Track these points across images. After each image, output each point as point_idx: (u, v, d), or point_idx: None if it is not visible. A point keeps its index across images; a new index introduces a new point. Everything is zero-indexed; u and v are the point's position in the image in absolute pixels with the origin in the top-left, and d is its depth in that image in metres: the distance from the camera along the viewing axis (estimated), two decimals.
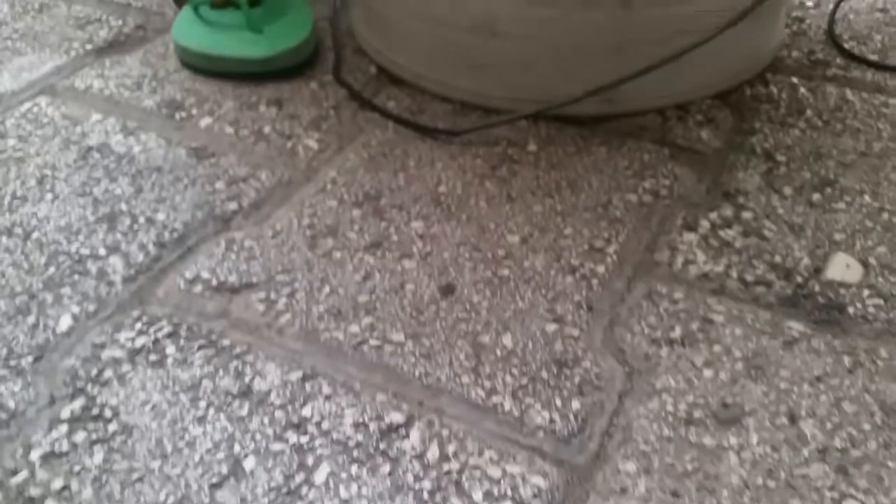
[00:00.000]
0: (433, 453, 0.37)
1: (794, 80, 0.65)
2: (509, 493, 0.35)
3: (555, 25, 0.56)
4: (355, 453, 0.37)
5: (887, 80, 0.65)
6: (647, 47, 0.57)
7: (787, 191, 0.53)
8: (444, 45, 0.60)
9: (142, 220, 0.51)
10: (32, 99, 0.63)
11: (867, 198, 0.52)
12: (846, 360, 0.42)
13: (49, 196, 0.53)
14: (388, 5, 0.62)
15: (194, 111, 0.61)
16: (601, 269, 0.47)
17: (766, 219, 0.51)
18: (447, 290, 0.46)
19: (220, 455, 0.37)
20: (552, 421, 0.38)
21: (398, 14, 0.62)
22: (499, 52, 0.58)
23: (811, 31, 0.72)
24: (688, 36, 0.56)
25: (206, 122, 0.60)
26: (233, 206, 0.52)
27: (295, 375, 0.41)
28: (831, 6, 0.76)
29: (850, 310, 0.45)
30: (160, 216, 0.51)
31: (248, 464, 0.37)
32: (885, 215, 0.51)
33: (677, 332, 0.43)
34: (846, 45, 0.69)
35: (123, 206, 0.52)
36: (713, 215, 0.51)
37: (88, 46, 0.70)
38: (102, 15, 0.75)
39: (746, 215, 0.51)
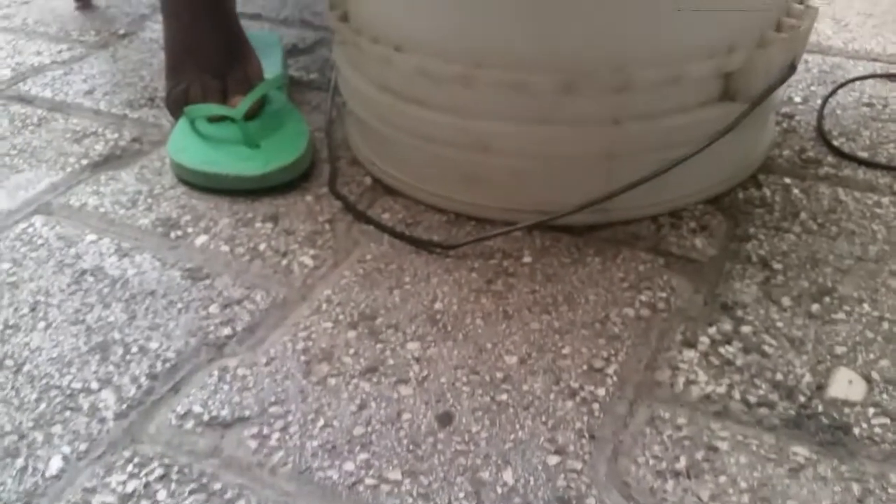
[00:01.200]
0: None
1: (787, 180, 0.65)
2: None
3: (547, 141, 0.56)
4: None
5: (878, 178, 0.65)
6: (639, 156, 0.57)
7: (786, 301, 0.52)
8: (437, 160, 0.60)
9: (134, 349, 0.50)
10: (28, 219, 0.64)
11: (866, 306, 0.52)
12: (855, 488, 0.41)
13: (42, 324, 0.53)
14: (381, 121, 0.63)
15: (190, 229, 0.61)
16: (602, 391, 0.46)
17: (765, 333, 0.50)
18: (445, 420, 0.45)
19: None
20: None
21: (390, 129, 0.62)
22: (492, 165, 0.59)
23: (801, 127, 0.73)
24: (679, 147, 0.57)
25: (201, 240, 0.60)
26: (226, 331, 0.52)
27: None
28: (819, 101, 0.77)
29: (856, 430, 0.44)
30: (153, 344, 0.51)
31: None
32: (886, 325, 0.50)
33: (682, 463, 0.42)
34: (836, 143, 0.70)
35: (116, 335, 0.51)
36: (712, 330, 0.50)
37: (84, 161, 0.71)
38: (99, 127, 0.76)
39: (746, 329, 0.50)
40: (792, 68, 0.60)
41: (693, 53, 0.54)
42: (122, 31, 0.98)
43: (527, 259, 0.57)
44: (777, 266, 0.56)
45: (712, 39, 0.55)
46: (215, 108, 0.68)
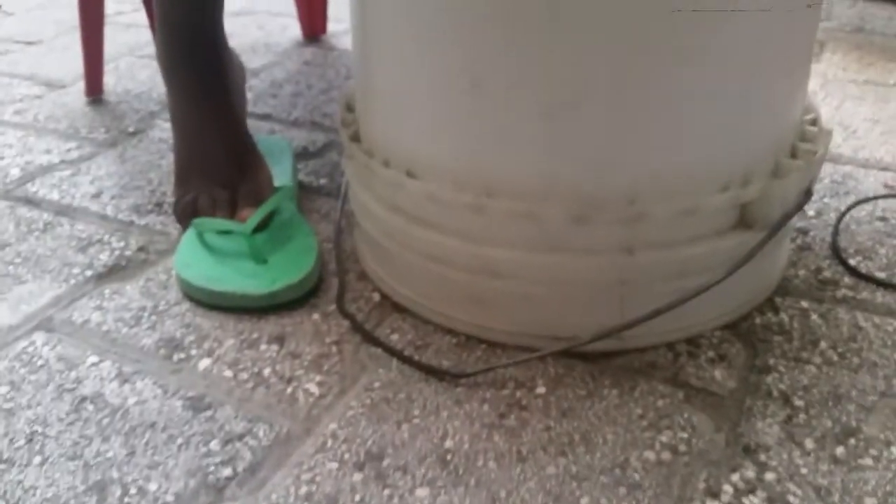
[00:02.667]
0: None
1: (805, 304, 0.64)
2: None
3: (557, 269, 0.55)
4: None
5: None
6: (653, 285, 0.56)
7: (809, 444, 0.50)
8: (447, 281, 0.59)
9: (133, 490, 0.48)
10: (29, 336, 0.62)
11: (895, 450, 0.50)
12: None
13: (38, 459, 0.51)
14: (391, 240, 0.62)
15: (193, 351, 0.60)
16: None
17: (790, 481, 0.48)
18: None
19: None
20: None
21: (400, 248, 0.61)
22: (502, 290, 0.58)
23: (815, 244, 0.72)
24: (694, 275, 0.56)
25: (204, 364, 0.58)
26: (227, 471, 0.49)
27: None
28: (832, 215, 0.76)
29: None
30: (152, 486, 0.48)
31: None
32: None
33: None
34: (852, 262, 0.69)
35: (115, 473, 0.49)
36: (735, 477, 0.48)
37: (89, 272, 0.70)
38: (105, 235, 0.76)
39: (769, 476, 0.48)
40: (808, 194, 0.59)
41: (707, 186, 0.54)
42: (131, 129, 0.99)
43: (540, 390, 0.55)
44: (799, 403, 0.54)
45: (726, 171, 0.54)
46: (223, 224, 0.67)
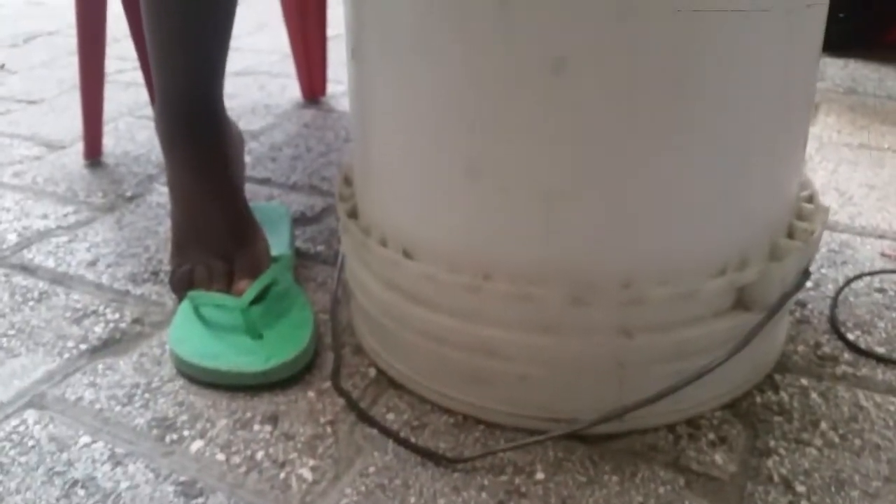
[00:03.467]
0: None
1: (804, 381, 0.63)
2: None
3: (554, 350, 0.55)
4: None
5: None
6: (651, 367, 0.56)
7: None
8: (444, 360, 0.59)
9: None
10: (20, 413, 0.61)
11: None
12: None
13: None
14: (387, 316, 0.61)
15: (186, 432, 0.59)
16: None
17: None
18: None
19: None
20: None
21: (396, 325, 0.61)
22: (499, 370, 0.57)
23: (814, 317, 0.72)
24: (693, 357, 0.55)
25: (197, 446, 0.58)
26: None
27: None
28: (830, 286, 0.76)
29: None
30: None
31: None
32: None
33: None
34: (851, 336, 0.69)
35: None
36: None
37: (83, 346, 0.69)
38: (100, 305, 0.75)
39: None
40: (806, 274, 0.59)
41: (704, 269, 0.54)
42: (129, 193, 0.99)
43: (540, 475, 0.54)
44: (800, 488, 0.53)
45: (723, 254, 0.54)
46: (219, 299, 0.67)
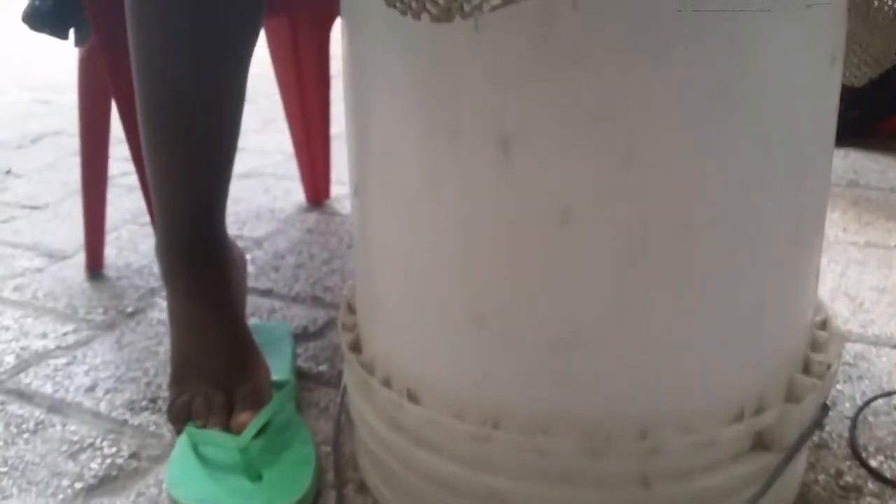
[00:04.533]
0: None
1: None
2: None
3: (569, 501, 0.53)
4: None
5: None
6: None
7: None
8: None
9: None
10: None
11: None
12: None
13: None
14: (389, 454, 0.59)
15: None
16: None
17: None
18: None
19: None
20: None
21: (398, 465, 0.59)
22: None
23: (833, 441, 0.69)
24: (714, 502, 0.53)
25: None
26: None
27: None
28: (847, 404, 0.74)
29: None
30: None
31: None
32: None
33: None
34: (874, 463, 0.66)
35: None
36: None
37: (78, 485, 0.67)
38: (97, 438, 0.73)
39: None
40: (825, 408, 0.57)
41: (720, 416, 0.52)
42: (130, 309, 0.98)
43: None
44: None
45: (739, 398, 0.52)
46: (217, 437, 0.65)
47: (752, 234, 0.49)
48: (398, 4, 0.36)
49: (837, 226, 1.16)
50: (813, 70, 0.49)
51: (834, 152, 1.48)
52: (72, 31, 0.91)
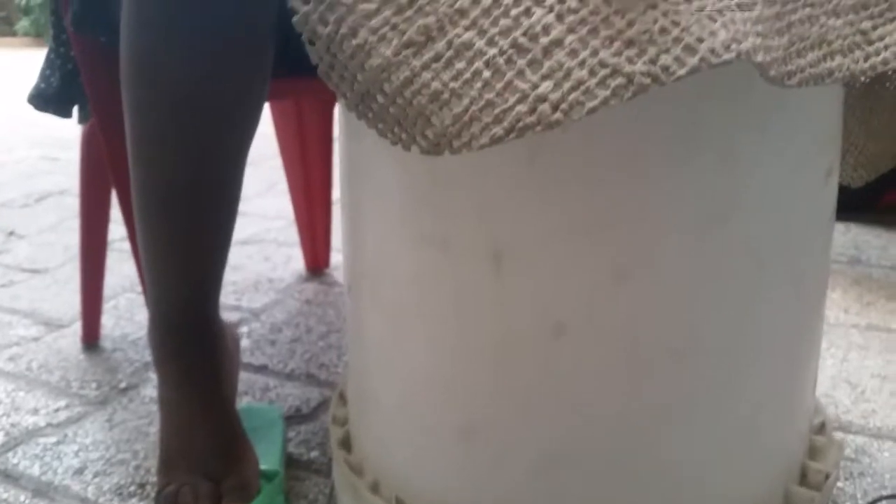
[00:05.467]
0: None
1: None
2: None
3: None
4: None
5: None
6: None
7: None
8: None
9: None
10: None
11: None
12: None
13: None
14: None
15: None
16: None
17: None
18: None
19: None
20: None
21: None
22: None
23: None
24: None
25: None
26: None
27: None
28: (848, 503, 0.72)
29: None
30: None
31: None
32: None
33: None
34: None
35: None
36: None
37: None
38: None
39: None
40: None
41: None
42: (123, 385, 0.97)
43: None
44: None
45: None
46: None
47: (748, 351, 0.48)
48: (389, 135, 0.36)
49: (839, 306, 1.15)
50: (808, 185, 0.49)
51: (835, 227, 1.48)
52: (75, 109, 0.92)
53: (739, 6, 0.34)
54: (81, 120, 0.94)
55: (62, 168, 2.11)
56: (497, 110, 0.34)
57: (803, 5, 0.40)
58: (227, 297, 1.22)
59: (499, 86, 0.34)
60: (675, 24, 0.33)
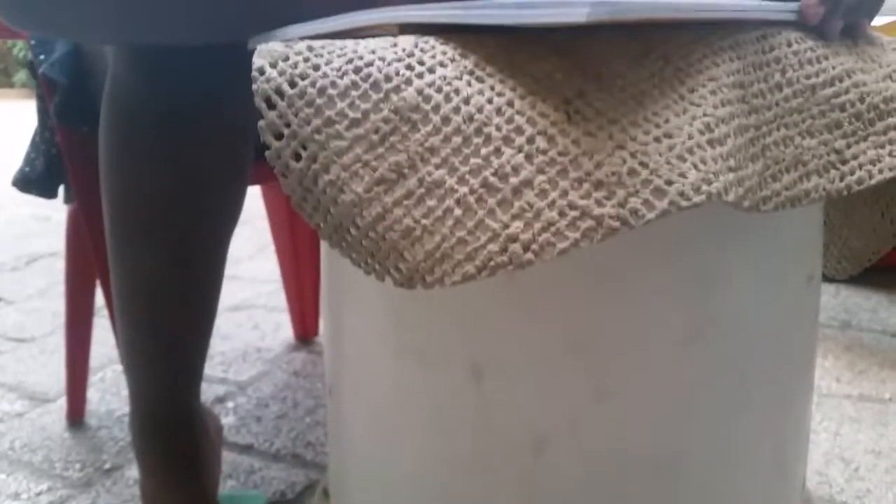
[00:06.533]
0: None
1: None
2: None
3: None
4: None
5: None
6: None
7: None
8: None
9: None
10: None
11: None
12: None
13: None
14: None
15: None
16: None
17: None
18: None
19: None
20: None
21: None
22: None
23: None
24: None
25: None
26: None
27: None
28: None
29: None
30: None
31: None
32: None
33: None
34: None
35: None
36: None
37: None
38: None
39: None
40: None
41: None
42: (107, 465, 0.95)
43: None
44: None
45: None
46: None
47: (733, 462, 0.48)
48: (363, 265, 0.36)
49: (830, 375, 1.14)
50: (790, 293, 0.49)
51: (825, 289, 1.48)
52: (61, 189, 0.92)
53: (710, 143, 0.35)
54: (67, 200, 0.94)
55: (53, 228, 2.11)
56: (469, 248, 0.34)
57: (777, 127, 0.41)
58: (214, 368, 1.21)
59: (470, 224, 0.34)
60: (644, 165, 0.33)
